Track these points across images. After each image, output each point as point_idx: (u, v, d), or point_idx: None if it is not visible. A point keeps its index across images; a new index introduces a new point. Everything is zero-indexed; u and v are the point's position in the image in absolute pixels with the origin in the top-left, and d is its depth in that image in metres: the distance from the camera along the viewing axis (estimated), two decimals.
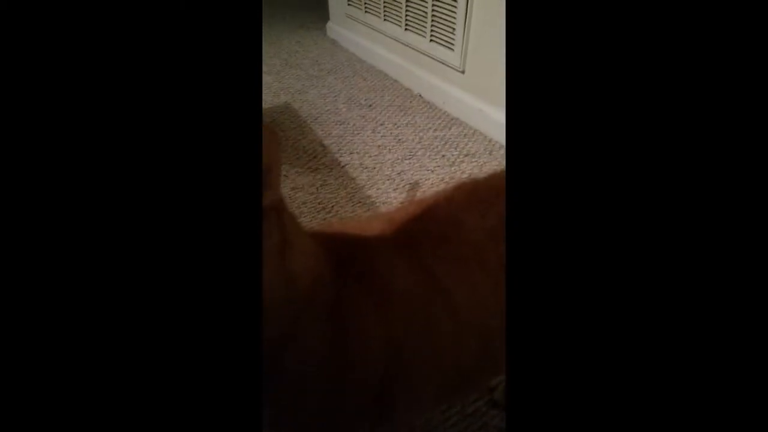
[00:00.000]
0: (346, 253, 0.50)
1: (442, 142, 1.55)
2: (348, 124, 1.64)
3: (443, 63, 1.70)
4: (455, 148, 1.51)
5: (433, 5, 1.63)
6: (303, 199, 1.28)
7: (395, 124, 1.65)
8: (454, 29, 1.59)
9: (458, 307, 0.51)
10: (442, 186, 1.34)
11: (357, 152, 1.49)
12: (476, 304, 0.52)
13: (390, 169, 1.41)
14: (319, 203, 1.27)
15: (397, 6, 1.82)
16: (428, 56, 1.76)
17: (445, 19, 1.61)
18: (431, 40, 1.72)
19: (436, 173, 1.39)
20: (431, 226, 0.54)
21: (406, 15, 1.79)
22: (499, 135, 1.54)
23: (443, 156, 1.48)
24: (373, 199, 1.29)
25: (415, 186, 1.34)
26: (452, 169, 1.41)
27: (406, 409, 0.53)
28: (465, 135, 1.59)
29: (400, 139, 1.56)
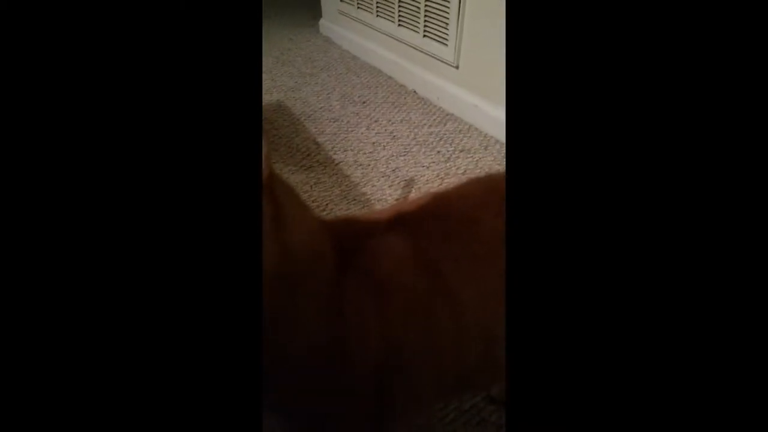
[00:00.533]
0: (349, 234, 0.49)
1: (437, 138, 1.54)
2: (342, 121, 1.63)
3: (437, 58, 1.69)
4: (450, 144, 1.51)
5: (426, 0, 1.62)
6: None
7: (389, 120, 1.64)
8: (447, 24, 1.58)
9: (463, 306, 0.50)
10: (438, 182, 1.33)
11: (351, 149, 1.48)
12: (483, 305, 0.50)
13: (385, 165, 1.40)
14: (313, 201, 1.26)
15: (390, 1, 1.81)
16: (422, 52, 1.75)
17: (439, 14, 1.60)
18: (425, 36, 1.71)
19: (431, 169, 1.39)
20: (442, 221, 0.53)
21: (399, 10, 1.78)
22: (494, 130, 1.53)
23: (438, 152, 1.47)
24: (368, 197, 1.28)
25: (410, 182, 1.34)
26: (447, 165, 1.41)
27: (406, 408, 0.53)
28: (460, 131, 1.58)
29: (394, 136, 1.55)
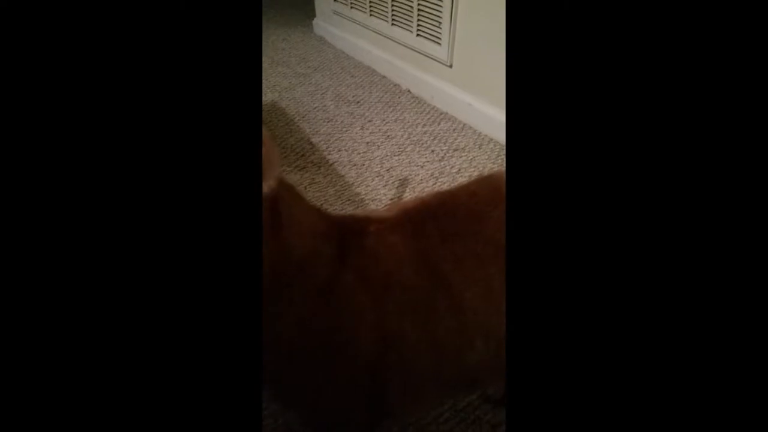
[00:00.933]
0: (351, 232, 0.49)
1: (432, 137, 1.54)
2: (336, 121, 1.63)
3: (431, 57, 1.69)
4: (444, 143, 1.51)
5: None
6: None
7: (384, 120, 1.64)
8: (440, 23, 1.58)
9: (464, 305, 0.50)
10: (432, 181, 1.33)
11: (345, 149, 1.48)
12: (486, 304, 0.50)
13: (379, 165, 1.40)
14: None
15: (383, 1, 1.81)
16: (416, 51, 1.75)
17: (432, 13, 1.60)
18: (418, 35, 1.71)
19: (425, 169, 1.39)
20: (447, 220, 0.53)
21: (393, 10, 1.78)
22: (488, 128, 1.53)
23: (432, 151, 1.47)
24: (362, 197, 1.28)
25: (404, 182, 1.34)
26: (442, 164, 1.41)
27: (403, 403, 0.53)
28: (454, 129, 1.58)
29: (388, 135, 1.55)
